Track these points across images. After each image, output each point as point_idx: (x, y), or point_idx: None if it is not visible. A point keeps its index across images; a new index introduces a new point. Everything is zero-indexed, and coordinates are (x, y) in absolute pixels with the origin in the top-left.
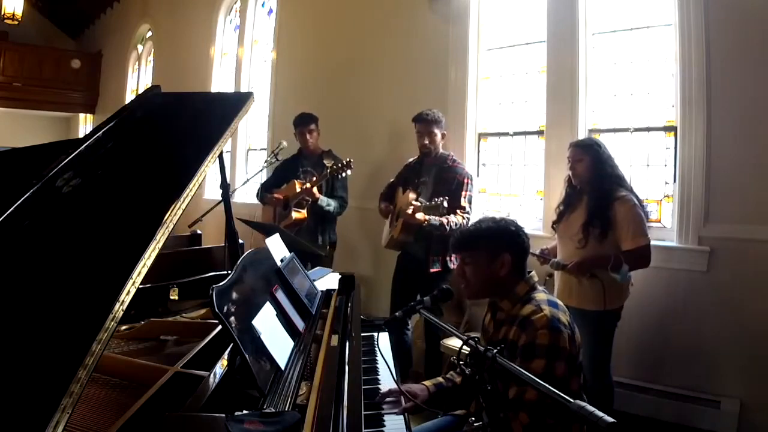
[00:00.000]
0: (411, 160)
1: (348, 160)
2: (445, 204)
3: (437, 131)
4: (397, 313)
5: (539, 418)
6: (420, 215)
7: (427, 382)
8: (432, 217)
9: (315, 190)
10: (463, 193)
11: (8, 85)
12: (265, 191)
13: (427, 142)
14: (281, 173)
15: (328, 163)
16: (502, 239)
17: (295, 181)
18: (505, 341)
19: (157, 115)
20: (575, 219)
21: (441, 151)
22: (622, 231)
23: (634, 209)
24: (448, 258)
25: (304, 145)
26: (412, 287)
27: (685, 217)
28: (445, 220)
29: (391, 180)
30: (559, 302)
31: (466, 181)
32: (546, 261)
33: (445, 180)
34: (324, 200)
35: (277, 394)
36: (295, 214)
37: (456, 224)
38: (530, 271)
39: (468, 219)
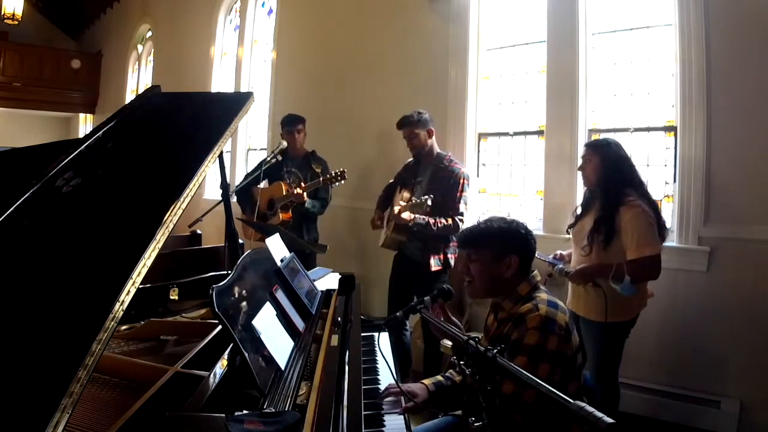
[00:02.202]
0: (410, 160)
1: (342, 170)
2: (429, 202)
3: (420, 131)
4: (398, 313)
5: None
6: (406, 214)
7: (426, 381)
8: (418, 216)
9: (305, 195)
10: (458, 193)
11: (8, 85)
12: (245, 190)
13: (414, 143)
14: (265, 171)
15: (316, 167)
16: (512, 241)
17: (281, 183)
18: (500, 337)
19: (157, 115)
20: (586, 224)
21: (438, 150)
22: (627, 239)
23: (641, 215)
24: (450, 256)
25: (291, 144)
26: (408, 287)
27: (685, 217)
28: (432, 220)
29: (390, 182)
30: (560, 303)
31: (462, 181)
32: (552, 266)
33: (440, 179)
34: (309, 202)
35: (277, 394)
36: (282, 215)
37: (443, 224)
38: (533, 271)
39: (461, 221)
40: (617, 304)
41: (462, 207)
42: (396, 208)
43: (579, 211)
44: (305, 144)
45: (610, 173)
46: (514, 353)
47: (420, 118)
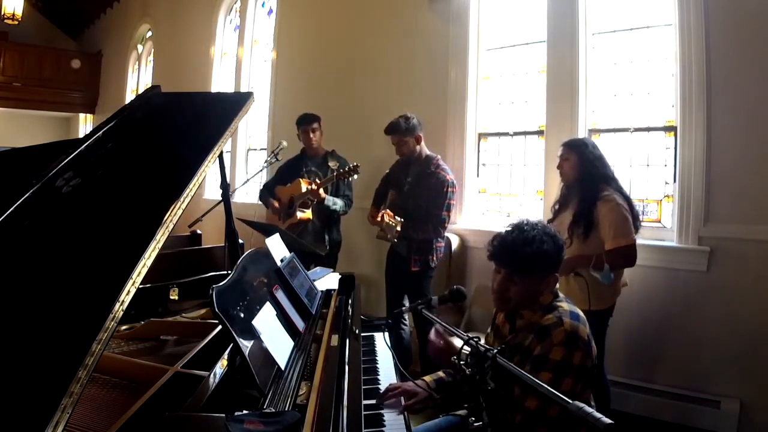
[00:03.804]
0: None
1: (354, 164)
2: (399, 228)
3: (408, 138)
4: (403, 307)
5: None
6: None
7: (427, 378)
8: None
9: (321, 191)
10: (442, 201)
11: (8, 85)
12: (267, 190)
13: (403, 150)
14: (285, 172)
15: (333, 164)
16: (557, 260)
17: (301, 180)
18: (519, 347)
19: (157, 115)
20: (565, 218)
21: (427, 153)
22: (604, 231)
23: (616, 209)
24: (429, 257)
25: (307, 144)
26: (398, 284)
27: (685, 217)
28: (413, 229)
29: (387, 172)
30: (581, 313)
31: (446, 189)
32: None
33: (426, 185)
34: (330, 200)
35: (277, 394)
36: (300, 214)
37: (424, 231)
38: None
39: (442, 228)
40: (596, 293)
41: (444, 215)
42: (380, 213)
43: (557, 206)
44: (322, 144)
45: (587, 170)
46: (538, 368)
47: (408, 125)
